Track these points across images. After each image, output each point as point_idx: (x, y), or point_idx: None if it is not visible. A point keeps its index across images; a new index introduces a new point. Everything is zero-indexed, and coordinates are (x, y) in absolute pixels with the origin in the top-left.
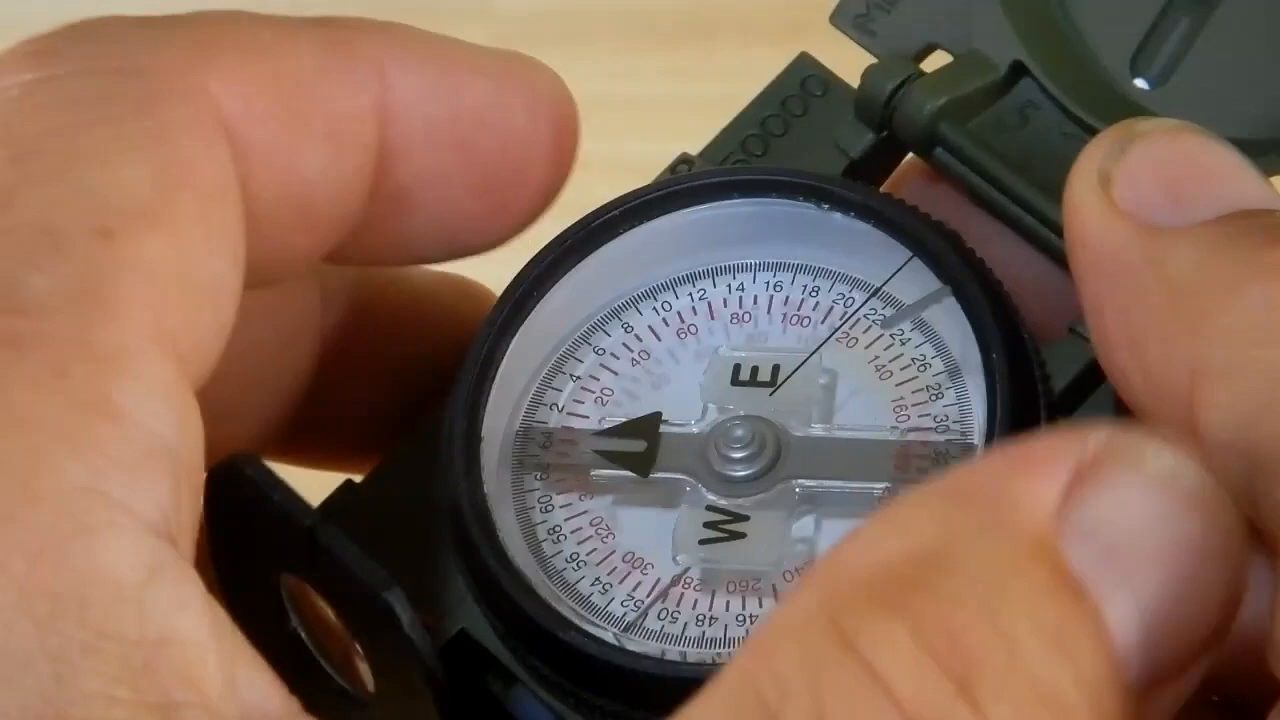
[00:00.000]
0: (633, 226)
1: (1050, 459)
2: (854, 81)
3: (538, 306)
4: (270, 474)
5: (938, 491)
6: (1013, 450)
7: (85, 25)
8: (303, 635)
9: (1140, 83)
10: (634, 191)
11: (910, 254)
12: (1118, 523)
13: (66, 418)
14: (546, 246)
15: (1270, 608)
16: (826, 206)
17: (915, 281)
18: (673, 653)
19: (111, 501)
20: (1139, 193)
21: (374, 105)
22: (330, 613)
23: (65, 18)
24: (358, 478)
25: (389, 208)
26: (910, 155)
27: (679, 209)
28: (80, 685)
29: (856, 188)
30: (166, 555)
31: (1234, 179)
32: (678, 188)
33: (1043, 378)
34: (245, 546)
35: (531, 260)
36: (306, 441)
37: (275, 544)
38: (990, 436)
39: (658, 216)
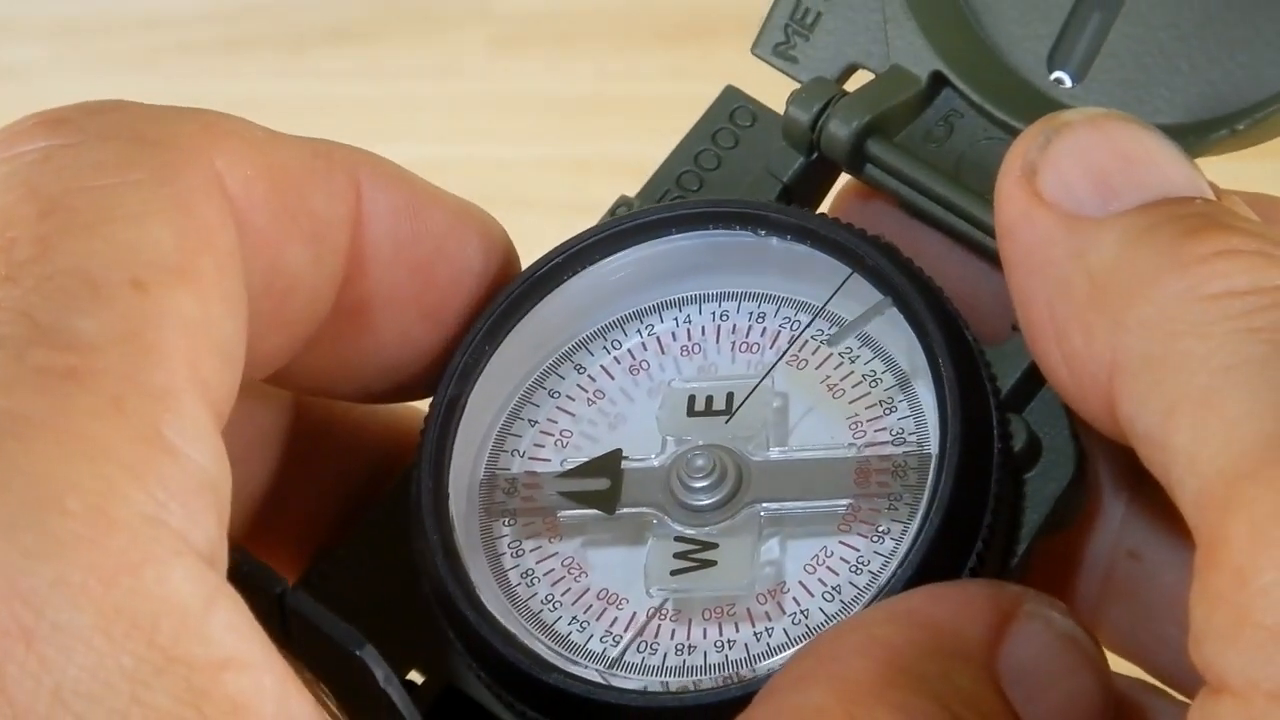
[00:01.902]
0: (576, 272)
1: (980, 602)
2: None
3: (492, 358)
4: (236, 547)
5: (902, 614)
6: (953, 590)
7: (97, 103)
8: None
9: (1059, 80)
10: (574, 237)
11: (849, 270)
12: (1038, 667)
13: (129, 449)
14: (495, 299)
15: (1190, 600)
16: (763, 232)
17: (857, 297)
18: (655, 684)
19: (173, 532)
20: (1063, 182)
21: (350, 213)
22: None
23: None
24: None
25: (346, 324)
26: (845, 176)
27: (620, 250)
28: (155, 704)
29: (790, 211)
30: (219, 584)
31: (1158, 165)
32: (617, 229)
33: (990, 378)
34: None
35: (481, 314)
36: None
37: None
38: (944, 443)
39: (600, 260)
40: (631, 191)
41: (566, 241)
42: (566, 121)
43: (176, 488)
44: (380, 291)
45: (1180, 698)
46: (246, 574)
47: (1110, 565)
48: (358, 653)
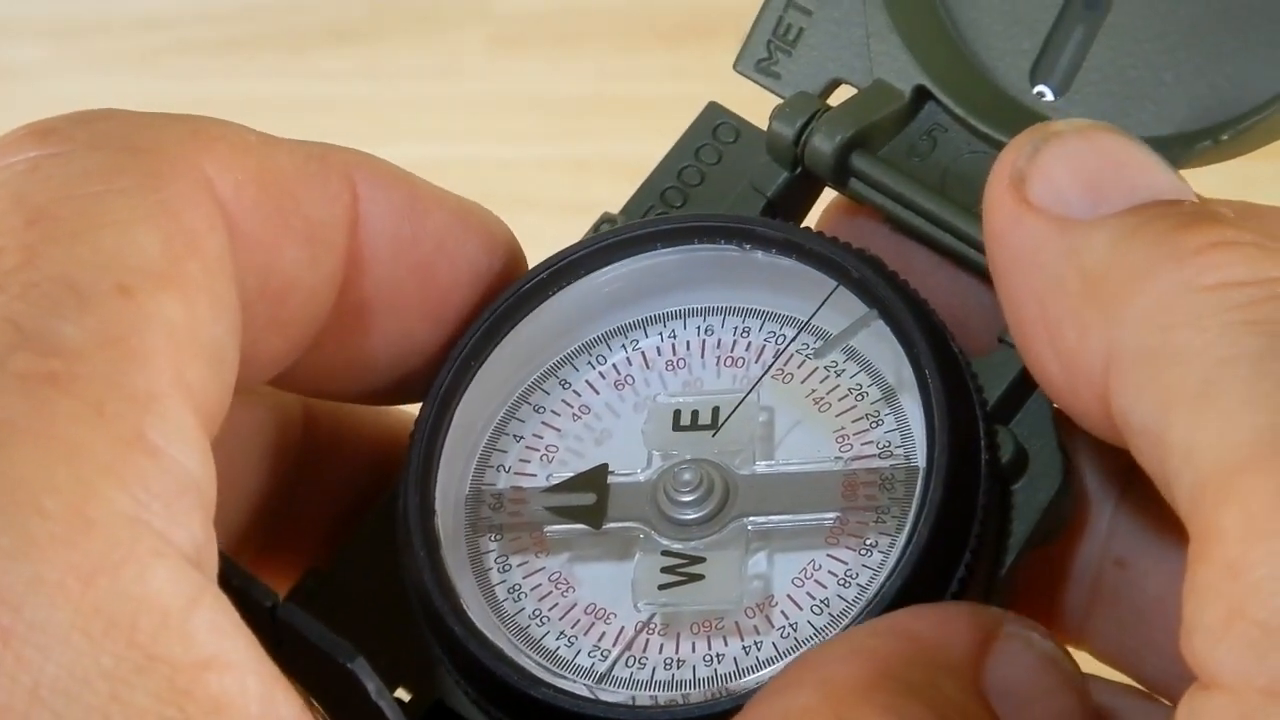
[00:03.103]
0: (562, 287)
1: (963, 620)
2: None
3: (478, 374)
4: (227, 561)
5: (886, 628)
6: (935, 609)
7: (86, 112)
8: None
9: (1042, 94)
10: (559, 253)
11: (835, 283)
12: (1021, 684)
13: (109, 451)
14: (481, 315)
15: (1183, 594)
16: (749, 246)
17: (843, 311)
18: (644, 698)
19: (154, 532)
20: (1052, 188)
21: (346, 215)
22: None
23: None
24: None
25: (348, 324)
26: (830, 192)
27: (605, 265)
28: (135, 703)
29: (776, 225)
30: (203, 584)
31: (1146, 171)
32: (602, 244)
33: (977, 389)
34: None
35: (468, 330)
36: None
37: None
38: (931, 454)
39: (585, 275)
40: (628, 193)
41: (551, 257)
42: (566, 121)
43: (159, 489)
44: (381, 293)
45: (1168, 704)
46: (236, 587)
47: (1097, 574)
48: (349, 665)
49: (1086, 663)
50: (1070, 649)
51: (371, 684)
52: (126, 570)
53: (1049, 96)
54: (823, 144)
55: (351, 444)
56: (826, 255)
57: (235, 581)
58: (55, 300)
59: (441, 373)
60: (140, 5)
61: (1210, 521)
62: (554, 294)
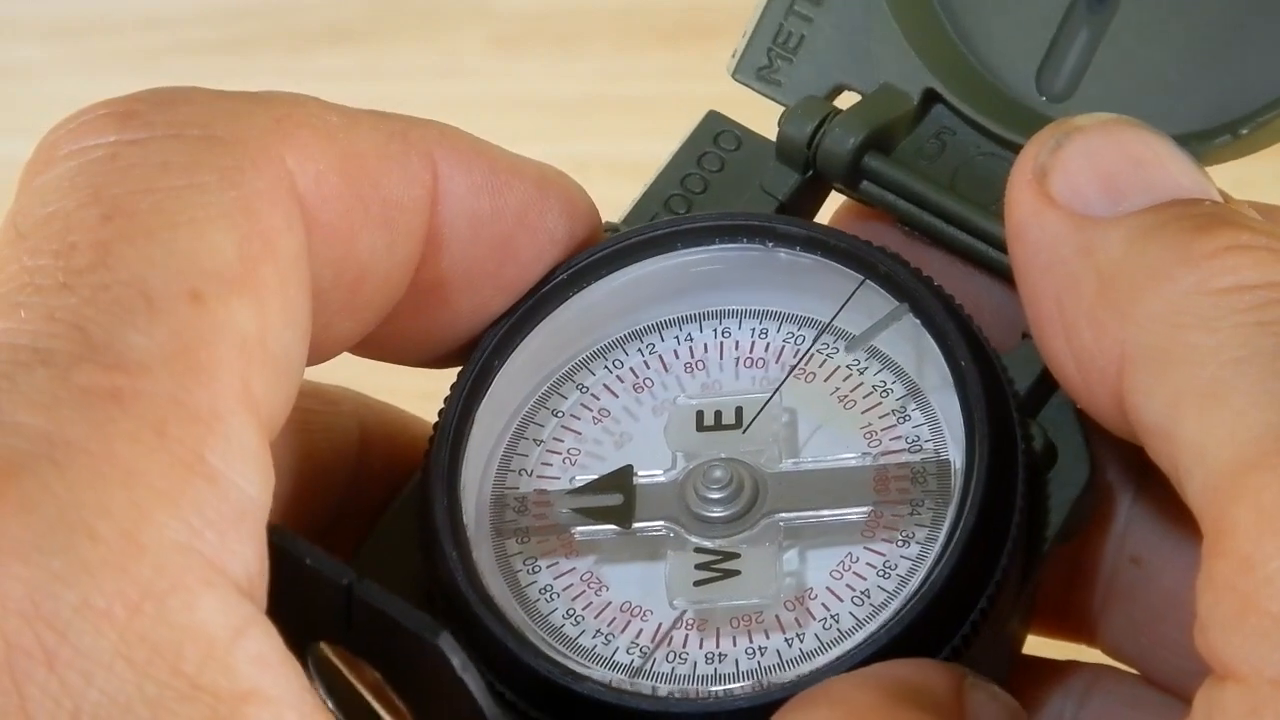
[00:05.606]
0: (580, 289)
1: (937, 670)
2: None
3: (498, 376)
4: (299, 541)
5: (875, 673)
6: (908, 661)
7: (168, 91)
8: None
9: (1048, 95)
10: (578, 255)
11: (862, 278)
12: None
13: (166, 475)
14: (500, 317)
15: (1197, 589)
16: (771, 244)
17: (864, 309)
18: (683, 692)
19: (205, 560)
20: (1073, 184)
21: (426, 196)
22: (364, 684)
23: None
24: None
25: (425, 299)
26: (838, 199)
27: (625, 266)
28: None
29: (799, 222)
30: (252, 614)
31: (1167, 168)
32: (622, 245)
33: (1008, 381)
34: (276, 621)
35: (488, 331)
36: None
37: (308, 611)
38: (971, 445)
39: (605, 276)
40: (629, 193)
41: (569, 260)
42: (566, 121)
43: (214, 516)
44: (459, 269)
45: (1182, 700)
46: (311, 566)
47: (1112, 571)
48: (435, 641)
49: (1098, 659)
50: (1084, 645)
51: (457, 658)
52: (174, 599)
53: (1055, 98)
54: (837, 146)
55: (403, 468)
56: (853, 251)
57: (310, 561)
58: (126, 306)
59: (463, 375)
60: (140, 5)
61: (1223, 517)
62: (572, 296)
